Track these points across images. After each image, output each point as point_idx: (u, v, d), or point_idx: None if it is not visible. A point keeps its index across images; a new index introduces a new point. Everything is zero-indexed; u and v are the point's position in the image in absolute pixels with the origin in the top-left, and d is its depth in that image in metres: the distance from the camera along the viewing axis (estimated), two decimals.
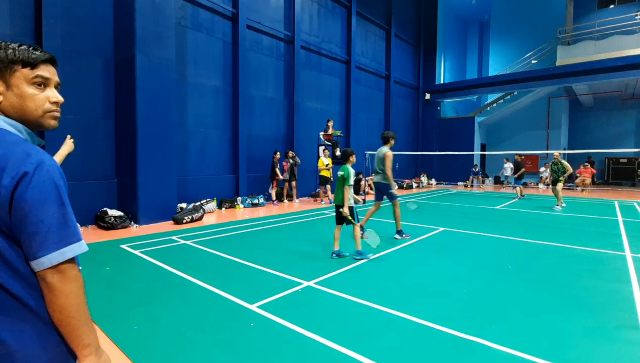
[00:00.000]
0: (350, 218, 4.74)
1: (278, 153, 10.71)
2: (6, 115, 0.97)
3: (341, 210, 4.79)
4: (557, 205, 10.20)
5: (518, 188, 12.82)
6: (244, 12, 10.09)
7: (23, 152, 0.90)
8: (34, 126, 1.02)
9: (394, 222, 6.40)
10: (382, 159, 6.21)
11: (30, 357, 0.91)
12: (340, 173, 4.87)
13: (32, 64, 0.98)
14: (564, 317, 3.19)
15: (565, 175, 10.43)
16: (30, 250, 0.89)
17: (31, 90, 0.98)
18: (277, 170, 10.54)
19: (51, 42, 6.53)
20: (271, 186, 10.73)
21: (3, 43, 0.97)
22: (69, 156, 2.36)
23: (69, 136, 2.46)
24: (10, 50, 0.96)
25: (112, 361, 1.06)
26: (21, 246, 0.90)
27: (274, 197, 10.71)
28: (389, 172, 6.15)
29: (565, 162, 10.47)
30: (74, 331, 0.93)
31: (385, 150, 6.24)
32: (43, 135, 5.75)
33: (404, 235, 6.25)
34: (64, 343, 0.96)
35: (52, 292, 0.91)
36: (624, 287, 3.94)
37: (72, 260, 0.93)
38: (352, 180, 4.79)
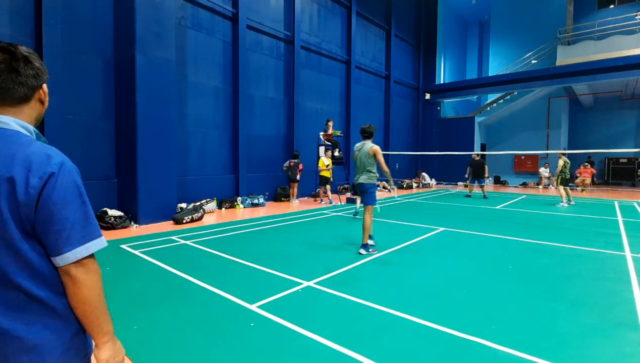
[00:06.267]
0: None
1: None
2: (36, 118, 1.08)
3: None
4: (562, 203, 10.79)
5: (471, 186, 12.91)
6: (244, 12, 10.09)
7: (44, 153, 0.96)
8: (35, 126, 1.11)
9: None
10: (370, 154, 5.26)
11: (46, 351, 0.96)
12: None
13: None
14: (564, 317, 3.19)
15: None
16: (56, 246, 0.94)
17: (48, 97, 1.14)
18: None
19: (51, 42, 6.51)
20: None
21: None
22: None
23: None
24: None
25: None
26: (42, 244, 0.95)
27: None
28: (386, 167, 5.40)
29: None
30: (95, 320, 1.01)
31: (373, 145, 5.33)
32: (43, 133, 5.75)
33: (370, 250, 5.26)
34: (76, 337, 1.03)
35: (76, 285, 0.97)
36: (624, 287, 3.94)
37: (93, 255, 1.00)
38: None
